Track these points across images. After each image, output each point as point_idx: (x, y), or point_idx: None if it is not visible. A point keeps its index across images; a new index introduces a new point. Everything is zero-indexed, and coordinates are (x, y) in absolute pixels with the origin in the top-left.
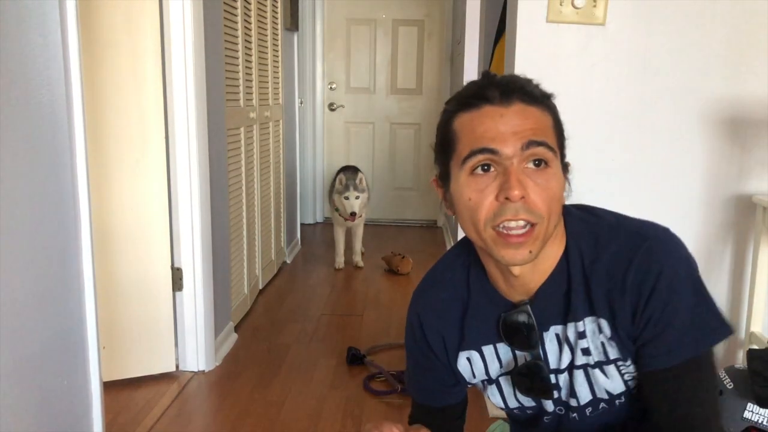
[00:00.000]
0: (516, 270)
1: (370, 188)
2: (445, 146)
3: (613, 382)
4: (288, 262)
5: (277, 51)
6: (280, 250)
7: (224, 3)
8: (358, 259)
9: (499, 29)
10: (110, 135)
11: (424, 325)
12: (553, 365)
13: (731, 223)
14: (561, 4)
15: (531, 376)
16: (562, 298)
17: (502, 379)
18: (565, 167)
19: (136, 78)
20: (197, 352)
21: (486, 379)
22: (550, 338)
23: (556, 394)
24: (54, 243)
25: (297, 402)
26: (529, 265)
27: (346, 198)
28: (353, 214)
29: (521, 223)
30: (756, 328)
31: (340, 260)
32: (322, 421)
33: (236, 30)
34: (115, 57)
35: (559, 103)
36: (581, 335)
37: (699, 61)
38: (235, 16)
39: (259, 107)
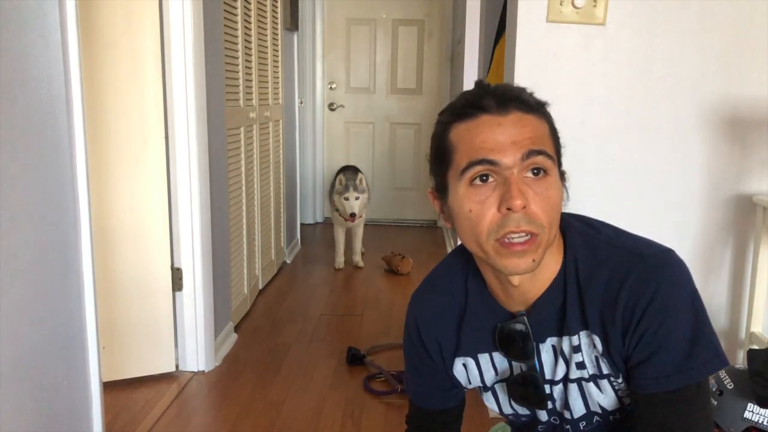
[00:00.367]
0: (516, 280)
1: (370, 188)
2: (441, 157)
3: (606, 397)
4: (288, 262)
5: (277, 51)
6: (280, 250)
7: (224, 3)
8: (358, 259)
9: (499, 29)
10: (110, 135)
11: (421, 329)
12: (548, 376)
13: (731, 223)
14: (561, 4)
15: (526, 386)
16: (558, 310)
17: (497, 387)
18: (561, 175)
19: (136, 78)
20: (197, 352)
21: (481, 386)
22: (546, 349)
23: (550, 405)
24: (54, 243)
25: (297, 402)
26: (529, 276)
27: (346, 199)
28: (353, 215)
29: (523, 234)
30: (756, 328)
31: (340, 260)
32: (322, 421)
33: (236, 30)
34: (114, 57)
35: (559, 103)
36: (576, 349)
37: (699, 61)
38: (235, 16)
39: (259, 107)
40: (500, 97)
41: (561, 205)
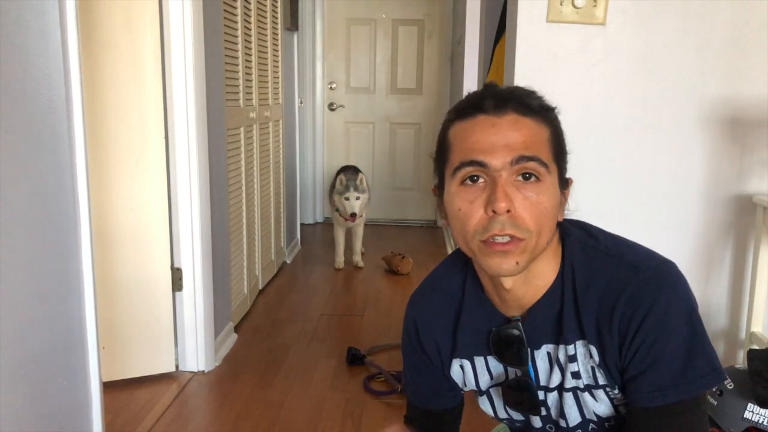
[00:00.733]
0: (507, 283)
1: (370, 188)
2: (440, 155)
3: (602, 406)
4: (288, 262)
5: (277, 51)
6: (280, 250)
7: (224, 3)
8: (358, 259)
9: (499, 29)
10: (110, 135)
11: (420, 330)
12: (542, 382)
13: (731, 223)
14: (561, 4)
15: (520, 391)
16: (555, 318)
17: (492, 391)
18: (564, 182)
19: (136, 78)
20: (197, 352)
21: (476, 390)
22: (541, 356)
23: (544, 412)
24: (54, 243)
25: (297, 402)
26: (521, 280)
27: (347, 199)
28: (353, 215)
29: (506, 238)
30: (756, 328)
31: (340, 260)
32: (322, 421)
33: (236, 30)
34: (114, 57)
35: (559, 103)
36: (572, 358)
37: (699, 61)
38: (235, 16)
39: (259, 107)
40: (500, 97)
41: (554, 211)
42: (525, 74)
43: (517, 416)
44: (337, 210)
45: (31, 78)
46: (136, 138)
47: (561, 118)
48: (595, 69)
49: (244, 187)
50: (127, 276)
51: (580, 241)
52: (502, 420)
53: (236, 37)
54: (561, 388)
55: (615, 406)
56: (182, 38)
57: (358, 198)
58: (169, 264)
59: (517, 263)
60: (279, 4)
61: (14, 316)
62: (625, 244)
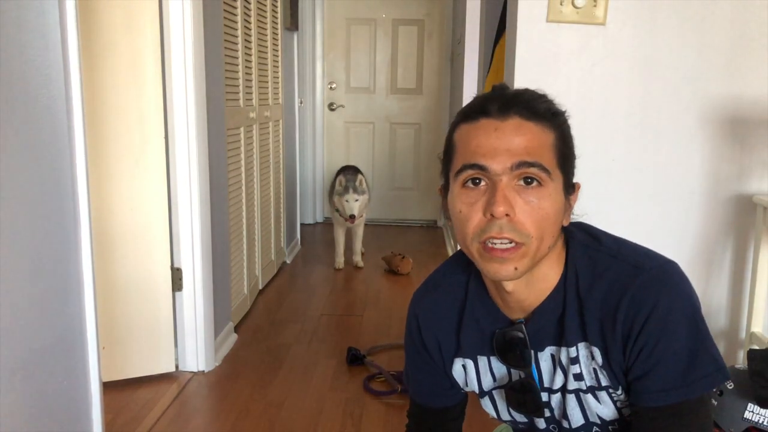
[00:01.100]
0: (509, 286)
1: (370, 188)
2: (446, 157)
3: (605, 408)
4: (288, 262)
5: (277, 51)
6: (279, 250)
7: (224, 3)
8: (358, 259)
9: (499, 29)
10: (110, 135)
11: (422, 328)
12: (546, 384)
13: (731, 223)
14: (561, 4)
15: (523, 393)
16: (558, 320)
17: (495, 393)
18: (569, 188)
19: (136, 78)
20: (197, 352)
21: (478, 391)
22: (544, 358)
23: (547, 413)
24: (54, 243)
25: (297, 402)
26: (524, 284)
27: (346, 201)
28: (352, 217)
29: (505, 241)
30: (756, 328)
31: (340, 260)
32: (322, 421)
33: (236, 30)
34: (114, 57)
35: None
36: (573, 360)
37: (699, 61)
38: (235, 16)
39: (259, 107)
40: (504, 100)
41: (557, 216)
42: (525, 74)
43: (520, 418)
44: (337, 210)
45: (31, 78)
46: (136, 138)
47: (570, 137)
48: (595, 69)
49: (244, 187)
50: (127, 276)
51: (582, 244)
52: (504, 421)
53: (236, 37)
54: (564, 390)
55: (618, 409)
56: (182, 38)
57: (357, 200)
58: (169, 264)
59: (516, 269)
60: (279, 4)
61: (14, 316)
62: (627, 246)
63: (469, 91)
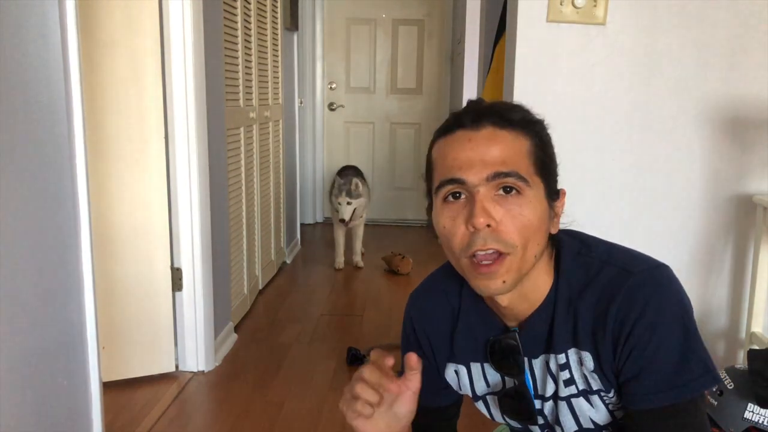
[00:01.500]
0: (503, 301)
1: (370, 189)
2: (427, 175)
3: (598, 412)
4: (288, 262)
5: (277, 51)
6: (279, 250)
7: (224, 3)
8: (358, 259)
9: (499, 29)
10: (110, 135)
11: (416, 328)
12: (539, 391)
13: (731, 223)
14: (561, 4)
15: (517, 400)
16: (549, 328)
17: (489, 398)
18: (553, 194)
19: (136, 78)
20: (197, 352)
21: (471, 396)
22: (538, 366)
23: (541, 420)
24: (54, 243)
25: (297, 402)
26: (518, 295)
27: (339, 204)
28: (343, 221)
29: (490, 251)
30: (756, 328)
31: (340, 260)
32: (322, 422)
33: (236, 30)
34: (115, 57)
35: (559, 103)
36: (563, 367)
37: (699, 61)
38: (235, 16)
39: (258, 107)
40: (478, 112)
41: (540, 224)
42: (525, 74)
43: (514, 424)
44: (337, 211)
45: (31, 78)
46: (136, 138)
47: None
48: (595, 69)
49: (244, 187)
50: (127, 276)
51: (573, 251)
52: (499, 424)
53: (236, 37)
54: (556, 397)
55: (611, 412)
56: (182, 38)
57: (349, 203)
58: (169, 264)
59: (504, 282)
60: (279, 4)
61: (14, 316)
62: (618, 251)
63: (469, 91)
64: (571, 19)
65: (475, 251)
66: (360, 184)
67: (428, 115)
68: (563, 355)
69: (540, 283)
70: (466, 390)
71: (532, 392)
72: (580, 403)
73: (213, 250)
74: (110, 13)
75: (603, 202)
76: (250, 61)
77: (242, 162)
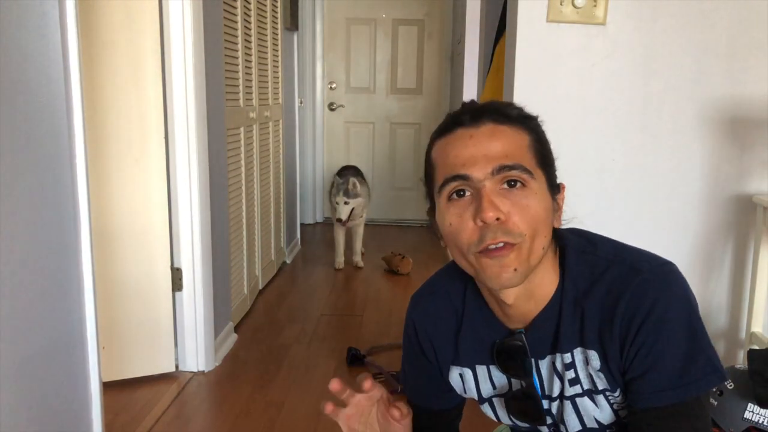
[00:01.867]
0: (509, 298)
1: (370, 188)
2: (427, 177)
3: (602, 412)
4: (288, 262)
5: (277, 51)
6: (280, 250)
7: (224, 3)
8: (358, 259)
9: (499, 29)
10: (110, 135)
11: (419, 331)
12: (546, 392)
13: (731, 223)
14: (561, 4)
15: (525, 401)
16: (556, 327)
17: (495, 400)
18: (554, 188)
19: (136, 78)
20: (197, 352)
21: (477, 398)
22: (545, 366)
23: (549, 420)
24: (54, 243)
25: (297, 402)
26: (524, 294)
27: (336, 203)
28: (339, 220)
29: (500, 245)
30: (756, 328)
31: (340, 260)
32: (322, 422)
33: (236, 30)
34: (115, 57)
35: (559, 103)
36: (568, 366)
37: (699, 61)
38: (235, 16)
39: (258, 107)
40: (475, 111)
41: (546, 215)
42: (525, 74)
43: (522, 424)
44: (335, 210)
45: (31, 78)
46: (135, 138)
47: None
48: (595, 69)
49: (244, 187)
50: (127, 276)
51: (579, 250)
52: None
53: (236, 37)
54: (561, 396)
55: (615, 412)
56: (182, 38)
57: (347, 203)
58: (169, 264)
59: (516, 270)
60: (279, 4)
61: (14, 316)
62: (624, 249)
63: (469, 91)
64: (571, 19)
65: (487, 246)
66: (358, 184)
67: (428, 115)
68: (569, 354)
69: (546, 281)
70: (472, 393)
71: (540, 393)
72: (584, 402)
73: (213, 250)
74: (110, 13)
75: (603, 202)
76: (250, 61)
77: (242, 162)
